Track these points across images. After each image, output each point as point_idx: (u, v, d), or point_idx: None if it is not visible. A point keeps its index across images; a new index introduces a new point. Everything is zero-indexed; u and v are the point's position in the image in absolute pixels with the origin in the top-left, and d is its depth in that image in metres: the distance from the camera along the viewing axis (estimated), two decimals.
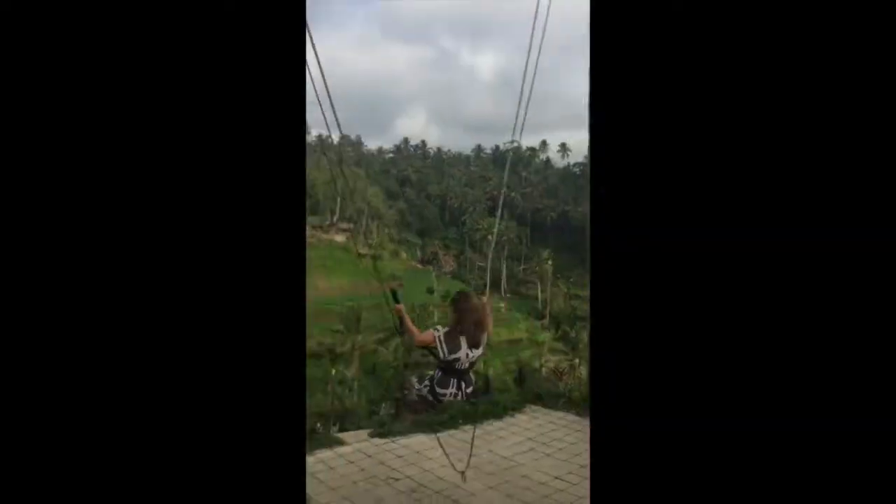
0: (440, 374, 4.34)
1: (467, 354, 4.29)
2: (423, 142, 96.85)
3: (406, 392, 4.57)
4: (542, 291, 62.38)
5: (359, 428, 11.07)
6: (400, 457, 7.19)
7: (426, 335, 4.49)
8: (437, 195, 79.65)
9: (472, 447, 5.49)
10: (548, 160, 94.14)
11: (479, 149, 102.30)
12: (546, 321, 56.12)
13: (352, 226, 65.16)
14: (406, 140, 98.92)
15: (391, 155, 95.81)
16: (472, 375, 4.57)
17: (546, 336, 47.81)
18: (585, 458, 6.22)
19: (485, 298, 4.41)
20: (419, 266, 66.23)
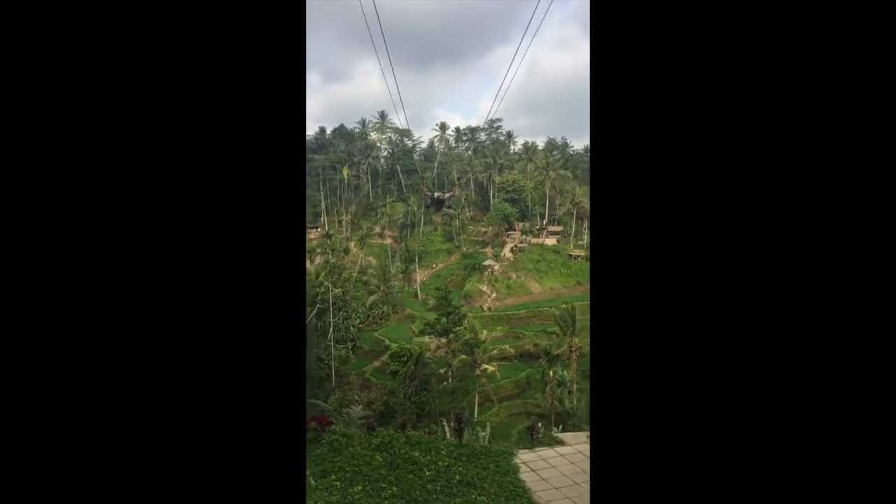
0: (431, 202, 15.64)
1: None
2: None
3: (427, 199, 15.10)
4: None
5: (578, 430, 10.98)
6: None
7: (427, 194, 15.20)
8: None
9: None
10: None
11: None
12: None
13: (562, 228, 64.90)
14: None
15: None
16: (444, 204, 17.99)
17: None
18: None
19: None
20: None
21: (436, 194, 14.36)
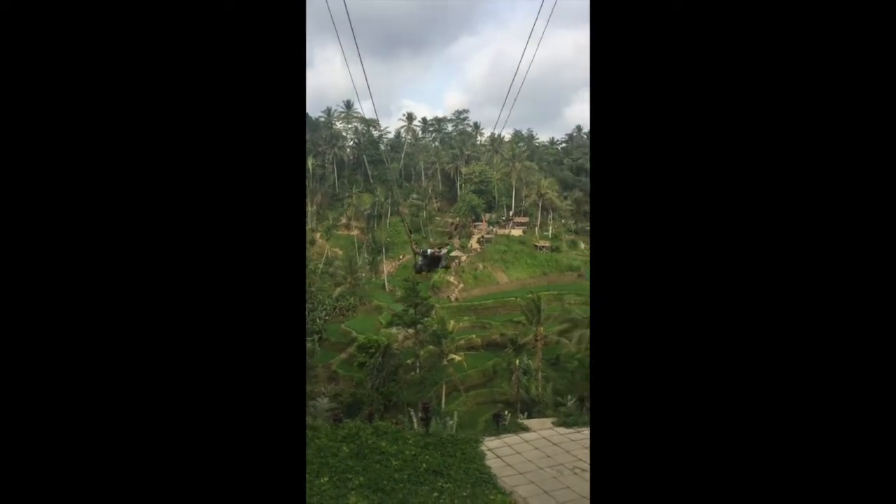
0: (422, 263, 9.64)
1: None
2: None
3: (414, 265, 9.87)
4: None
5: (543, 417, 11.24)
6: (586, 448, 7.15)
7: (417, 250, 9.73)
8: None
9: None
10: None
11: None
12: None
13: (528, 219, 65.77)
14: (578, 128, 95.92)
15: (563, 145, 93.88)
16: (443, 261, 9.88)
17: None
18: None
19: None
20: None
21: (428, 251, 9.54)
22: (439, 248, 10.03)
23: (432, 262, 9.74)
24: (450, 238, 56.09)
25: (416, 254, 10.13)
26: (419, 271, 10.49)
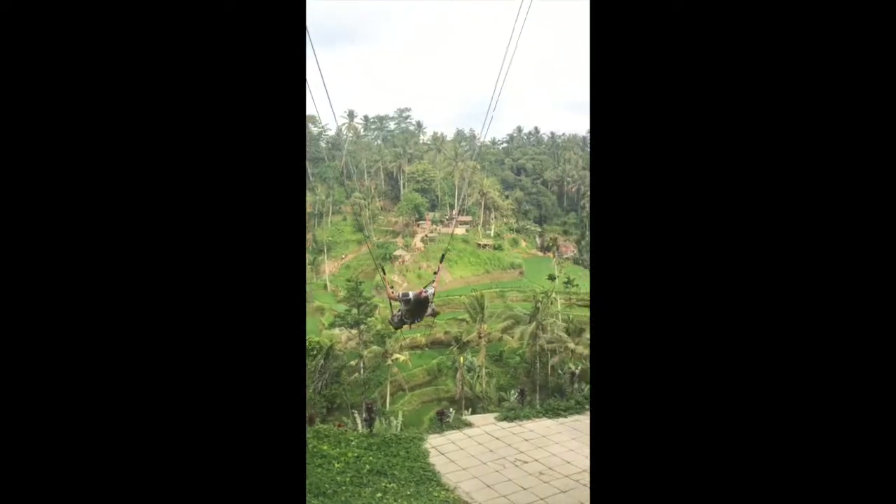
0: (406, 312, 6.33)
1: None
2: (536, 128, 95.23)
3: (391, 318, 6.59)
4: None
5: (488, 412, 11.37)
6: (527, 440, 7.32)
7: (395, 296, 6.41)
8: (553, 181, 77.95)
9: None
10: None
11: None
12: None
13: (471, 218, 66.58)
14: (519, 128, 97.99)
15: (505, 145, 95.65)
16: (431, 308, 6.53)
17: None
18: None
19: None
20: (539, 253, 65.49)
21: (411, 294, 6.44)
22: (424, 288, 6.40)
23: (417, 309, 6.28)
24: (396, 237, 55.45)
25: (392, 301, 6.46)
26: (398, 326, 6.59)
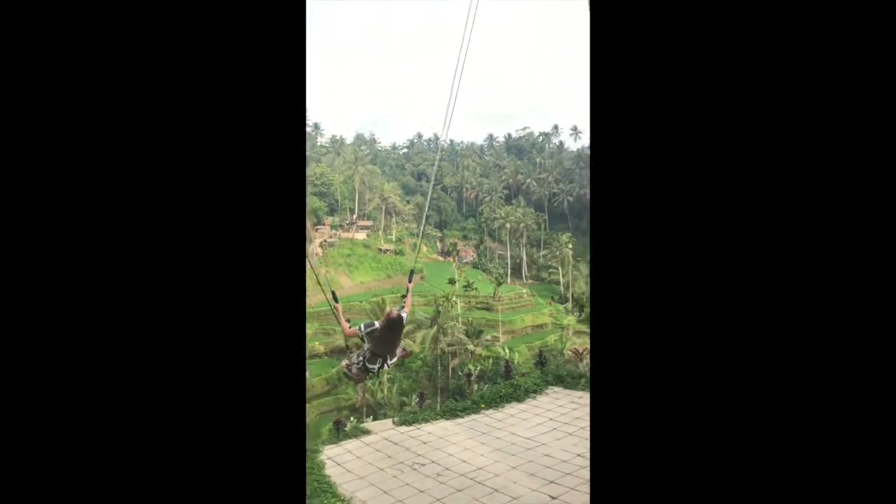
0: (369, 354, 4.63)
1: (386, 358, 4.68)
2: (436, 135, 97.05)
3: (348, 366, 4.83)
4: (563, 276, 62.01)
5: (387, 418, 11.23)
6: (425, 443, 7.33)
7: (350, 331, 4.73)
8: (453, 187, 79.73)
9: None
10: (561, 144, 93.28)
11: (491, 138, 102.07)
12: (569, 304, 55.76)
13: (372, 223, 65.94)
14: (419, 135, 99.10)
15: (405, 150, 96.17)
16: (401, 346, 4.85)
17: (570, 319, 47.56)
18: None
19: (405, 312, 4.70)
20: (440, 258, 66.56)
21: (376, 323, 4.58)
22: (392, 309, 4.79)
23: (388, 338, 4.55)
24: (309, 243, 53.07)
25: (348, 336, 4.68)
26: (361, 377, 4.83)
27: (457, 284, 52.50)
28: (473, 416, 6.52)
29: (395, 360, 4.81)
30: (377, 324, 4.62)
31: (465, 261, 66.10)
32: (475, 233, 75.31)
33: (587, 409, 7.19)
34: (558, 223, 74.81)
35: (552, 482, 5.11)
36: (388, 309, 5.12)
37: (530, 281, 64.84)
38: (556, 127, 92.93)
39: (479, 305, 52.44)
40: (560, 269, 62.38)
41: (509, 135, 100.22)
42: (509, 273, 64.07)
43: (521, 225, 67.39)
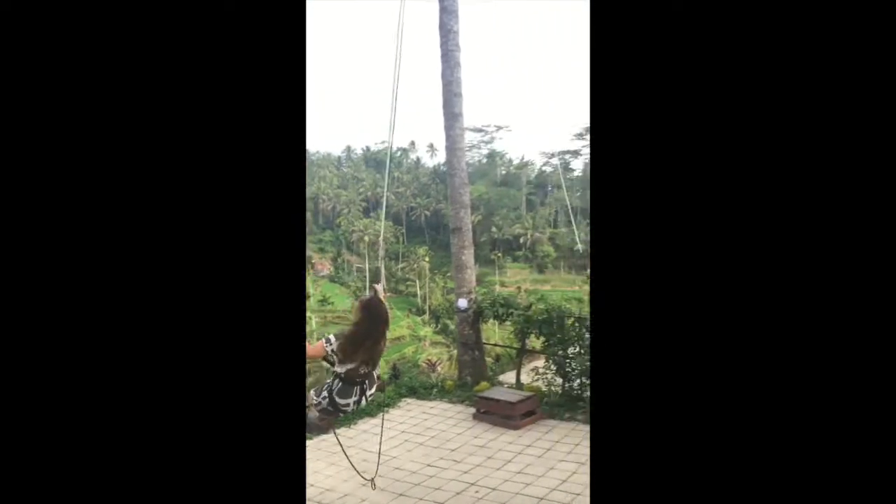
0: (339, 383, 3.42)
1: (365, 367, 3.44)
2: None
3: (307, 408, 3.53)
4: (420, 288, 63.45)
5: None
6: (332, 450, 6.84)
7: (315, 348, 3.45)
8: (308, 198, 77.43)
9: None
10: (418, 160, 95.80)
11: (349, 150, 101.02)
12: (426, 316, 57.16)
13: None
14: (348, 148, 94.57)
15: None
16: (374, 374, 3.67)
17: (427, 330, 48.74)
18: (455, 443, 6.47)
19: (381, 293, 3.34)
20: None
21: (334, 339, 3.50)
22: (375, 287, 3.94)
23: (371, 325, 3.55)
24: None
25: (324, 356, 3.56)
26: (326, 426, 4.30)
27: (311, 299, 50.72)
28: (323, 437, 6.29)
29: (373, 389, 3.58)
30: (369, 293, 3.48)
31: (321, 274, 64.24)
32: (332, 245, 73.74)
33: (438, 419, 7.37)
34: (416, 237, 76.57)
35: (401, 495, 5.14)
36: (361, 296, 3.76)
37: (388, 294, 65.13)
38: (412, 143, 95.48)
39: (335, 321, 51.24)
40: (417, 281, 63.71)
41: (367, 147, 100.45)
42: (367, 286, 63.66)
43: (380, 238, 67.68)
